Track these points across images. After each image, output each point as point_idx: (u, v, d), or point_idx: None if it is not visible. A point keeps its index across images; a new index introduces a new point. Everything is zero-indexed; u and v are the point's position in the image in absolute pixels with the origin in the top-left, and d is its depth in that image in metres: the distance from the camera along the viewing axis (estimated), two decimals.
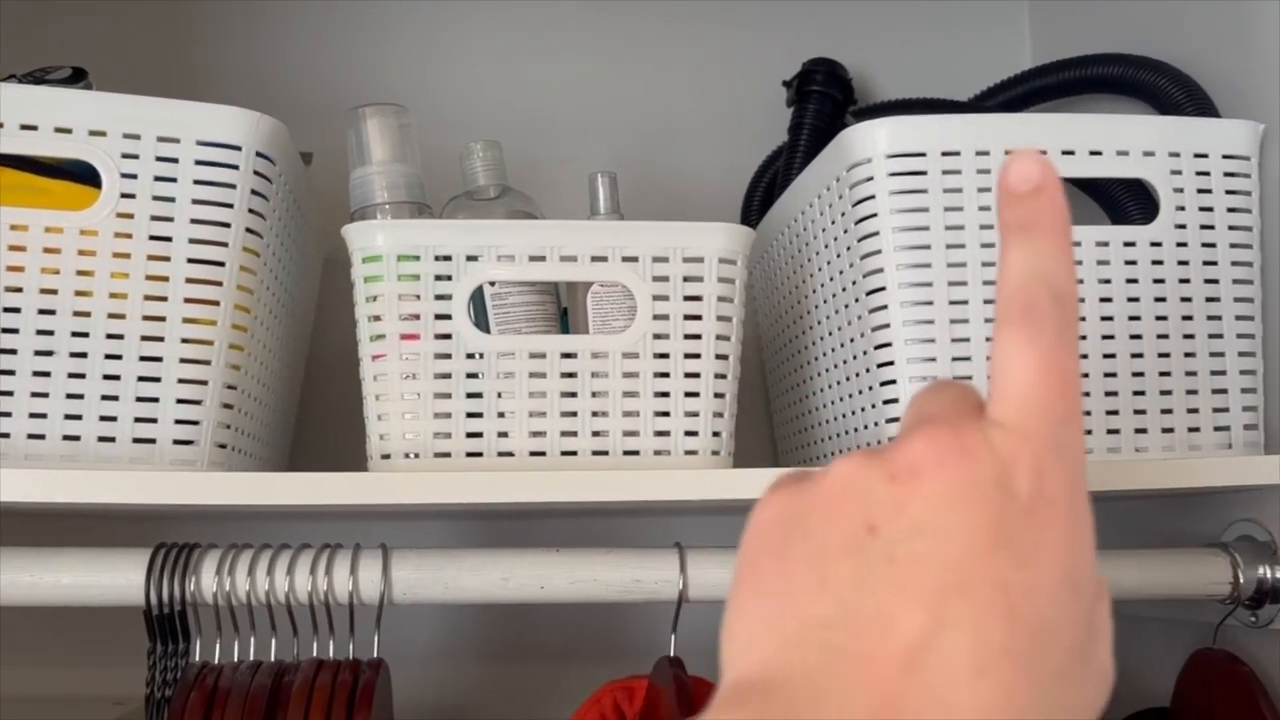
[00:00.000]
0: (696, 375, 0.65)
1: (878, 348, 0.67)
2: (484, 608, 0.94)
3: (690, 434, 0.64)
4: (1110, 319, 0.67)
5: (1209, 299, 0.68)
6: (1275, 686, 0.68)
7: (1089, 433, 0.65)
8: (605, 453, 0.63)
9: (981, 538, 0.26)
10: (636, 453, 0.63)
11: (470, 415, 0.63)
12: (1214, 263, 0.68)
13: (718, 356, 0.66)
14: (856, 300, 0.70)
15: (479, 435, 0.63)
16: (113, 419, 0.60)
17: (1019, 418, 0.28)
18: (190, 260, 0.62)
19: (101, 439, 0.60)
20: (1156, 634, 0.83)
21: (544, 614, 0.95)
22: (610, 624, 0.94)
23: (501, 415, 0.63)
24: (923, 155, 0.66)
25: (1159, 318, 0.67)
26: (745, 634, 0.28)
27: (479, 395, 0.63)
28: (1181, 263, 0.68)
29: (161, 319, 0.62)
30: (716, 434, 0.64)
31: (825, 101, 0.92)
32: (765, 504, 0.30)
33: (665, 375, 0.65)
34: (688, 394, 0.65)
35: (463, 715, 0.93)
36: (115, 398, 0.61)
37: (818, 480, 0.29)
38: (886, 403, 0.67)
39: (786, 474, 0.31)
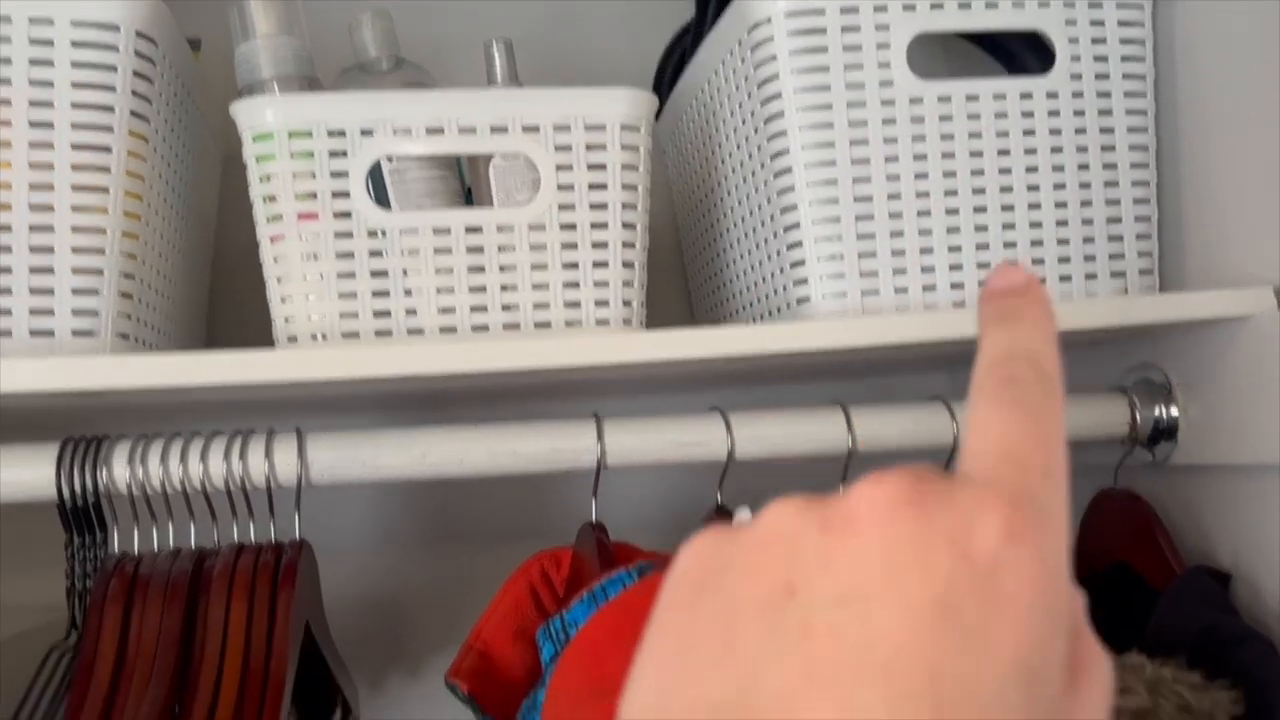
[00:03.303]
0: (604, 245, 0.65)
1: (784, 211, 0.68)
2: (409, 493, 0.94)
3: (600, 303, 0.63)
4: (1008, 171, 0.68)
5: (1104, 147, 0.69)
6: (1171, 519, 0.72)
7: (985, 265, 0.66)
8: (516, 326, 0.63)
9: (918, 609, 0.21)
10: (548, 325, 0.63)
11: (376, 294, 0.62)
12: (1109, 111, 0.69)
13: (625, 225, 0.66)
14: (762, 165, 0.70)
15: (386, 314, 0.62)
16: (7, 312, 0.59)
17: (993, 469, 0.24)
18: (74, 146, 0.60)
19: None
20: None
21: (473, 497, 0.95)
22: (538, 501, 0.96)
23: (408, 293, 0.63)
24: (821, 13, 0.66)
25: (1056, 168, 0.68)
26: (637, 708, 0.23)
27: (384, 274, 0.63)
28: (1078, 113, 0.69)
29: (50, 208, 0.60)
30: (627, 302, 0.65)
31: None
32: (687, 549, 0.25)
33: (573, 246, 0.65)
34: (596, 264, 0.65)
35: (396, 604, 0.94)
36: (9, 290, 0.59)
37: (750, 525, 0.24)
38: (794, 266, 0.68)
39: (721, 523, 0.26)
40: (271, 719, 0.55)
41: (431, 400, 0.75)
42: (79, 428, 0.64)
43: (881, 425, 0.70)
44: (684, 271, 0.97)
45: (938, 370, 0.94)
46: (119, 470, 0.61)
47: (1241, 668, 0.59)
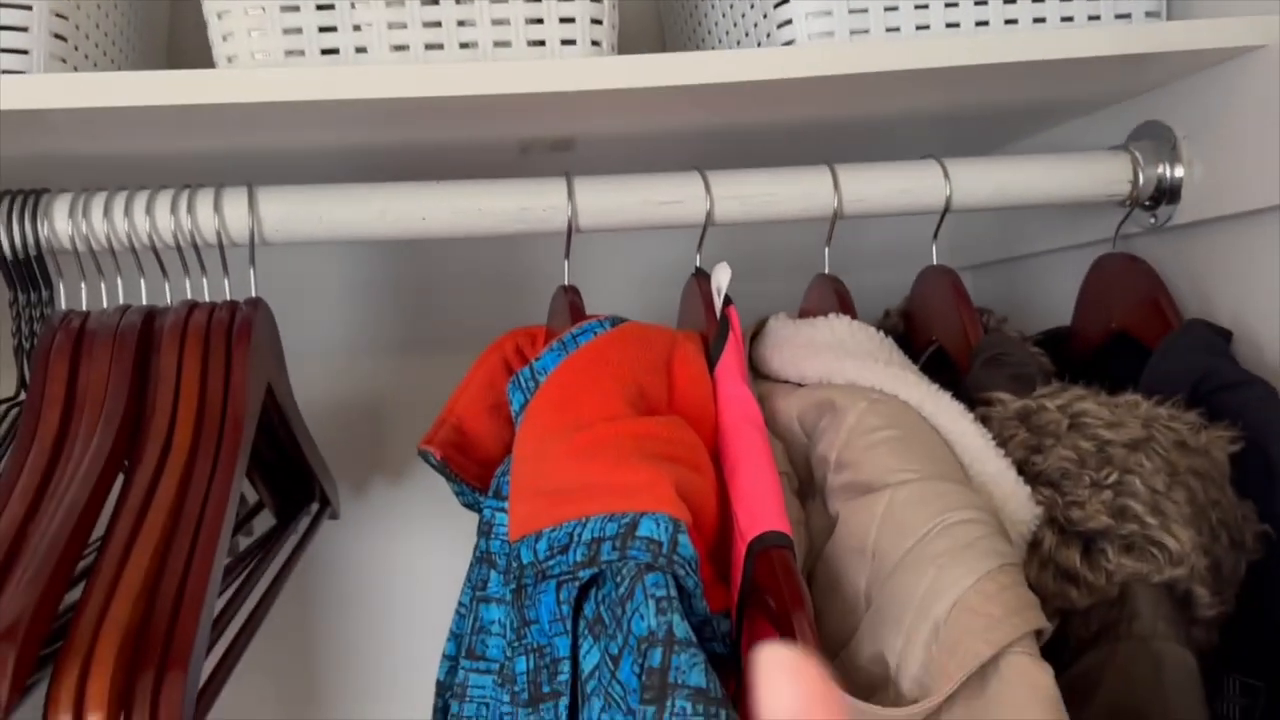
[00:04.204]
0: None
1: None
2: (389, 294, 0.91)
3: (566, 21, 0.58)
4: None
5: None
6: (1172, 285, 0.69)
7: (984, 3, 0.61)
8: (474, 45, 0.57)
9: None
10: (508, 44, 0.58)
11: (321, 8, 0.56)
12: None
13: None
14: None
15: (333, 30, 0.56)
16: None
17: None
18: None
19: None
20: (1057, 267, 0.83)
21: (453, 297, 0.92)
22: (520, 306, 0.93)
23: (354, 6, 0.56)
24: None
25: None
26: None
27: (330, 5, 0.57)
28: None
29: None
30: (596, 21, 0.58)
31: None
32: None
33: None
34: None
35: (376, 410, 0.92)
36: None
37: None
38: (778, 5, 0.63)
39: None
40: (229, 462, 0.52)
41: (395, 175, 0.71)
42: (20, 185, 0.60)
43: (870, 185, 0.66)
44: (660, 19, 0.91)
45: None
46: (60, 224, 0.58)
47: (1241, 408, 0.56)
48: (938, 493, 0.50)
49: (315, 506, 0.78)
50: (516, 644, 0.53)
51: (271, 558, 0.66)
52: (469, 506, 0.69)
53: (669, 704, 0.43)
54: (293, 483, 0.76)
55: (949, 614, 0.46)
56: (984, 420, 0.56)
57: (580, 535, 0.49)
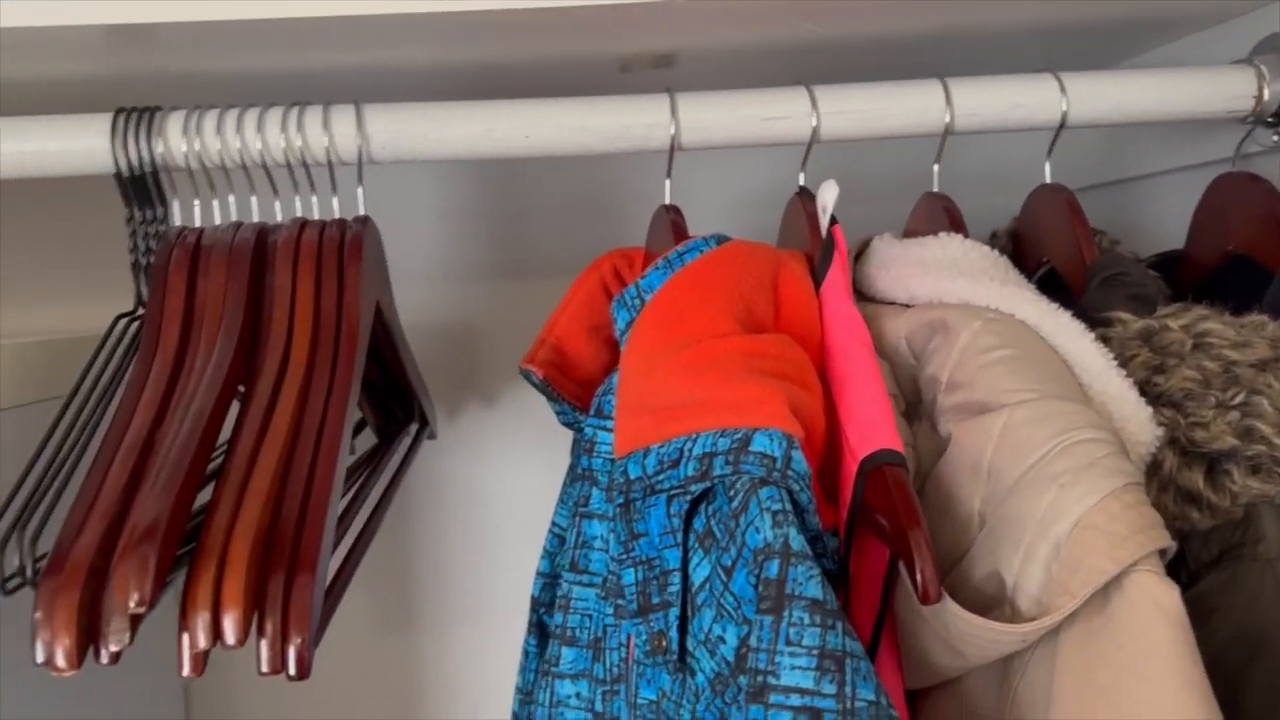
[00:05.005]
0: None
1: None
2: (483, 221, 0.92)
3: None
4: None
5: None
6: None
7: None
8: None
9: None
10: None
11: None
12: None
13: None
14: None
15: None
16: None
17: None
18: None
19: None
20: (1169, 189, 0.80)
21: (547, 224, 0.92)
22: (612, 235, 0.92)
23: None
24: None
25: None
26: None
27: None
28: None
29: None
30: None
31: None
32: None
33: None
34: None
35: (470, 333, 0.93)
36: None
37: None
38: None
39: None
40: (345, 376, 0.53)
41: (492, 96, 0.70)
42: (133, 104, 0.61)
43: (983, 99, 0.64)
44: None
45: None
46: (174, 141, 0.59)
47: None
48: (1058, 412, 0.49)
49: (415, 427, 0.79)
50: (624, 557, 0.54)
51: (377, 475, 0.68)
52: (569, 425, 0.69)
53: (786, 614, 0.43)
54: (394, 402, 0.77)
55: (1071, 533, 0.45)
56: (1103, 340, 0.54)
57: (691, 450, 0.49)
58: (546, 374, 0.66)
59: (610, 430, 0.59)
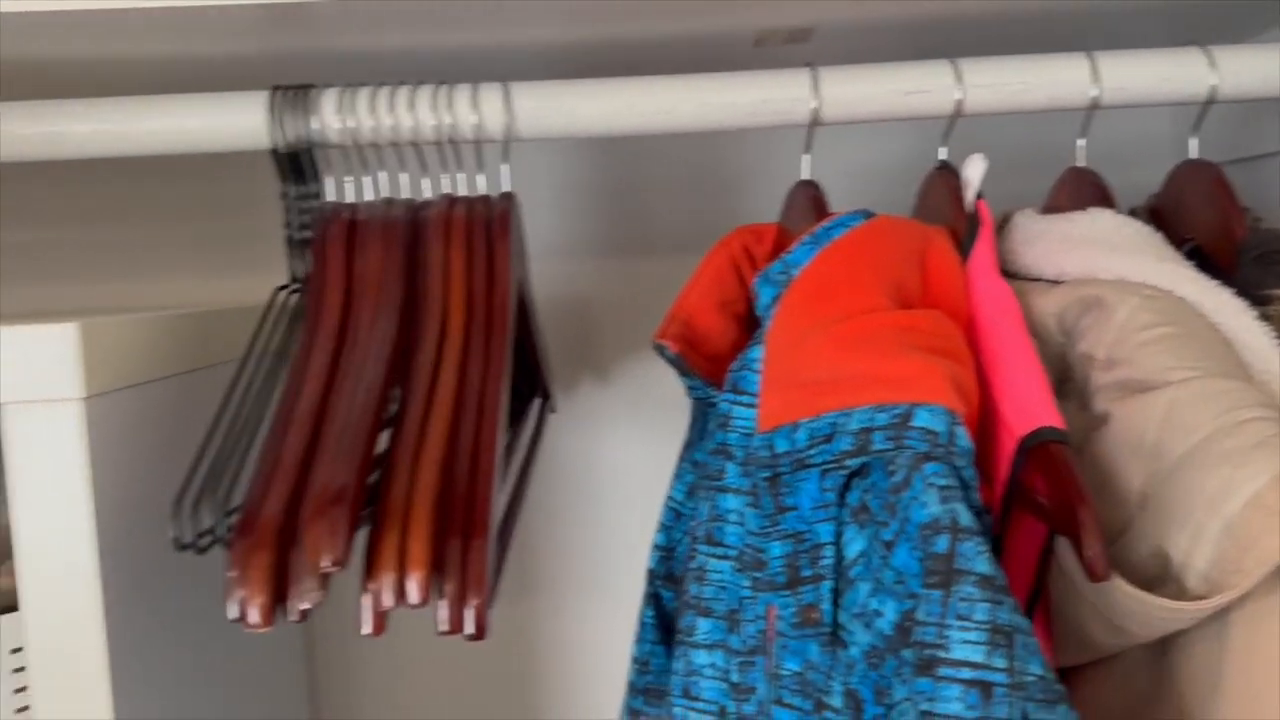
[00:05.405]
0: None
1: None
2: (602, 195, 0.92)
3: None
4: None
5: None
6: None
7: None
8: None
9: None
10: None
11: None
12: None
13: None
14: None
15: None
16: None
17: None
18: None
19: None
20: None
21: (665, 201, 0.93)
22: (730, 209, 0.93)
23: None
24: None
25: None
26: None
27: None
28: None
29: None
30: None
31: None
32: None
33: None
34: None
35: (586, 309, 0.94)
36: None
37: None
38: None
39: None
40: (499, 347, 0.55)
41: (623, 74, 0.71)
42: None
43: (1130, 72, 0.63)
44: None
45: None
46: (329, 118, 0.61)
47: None
48: (1222, 390, 0.48)
49: (539, 401, 0.81)
50: (771, 529, 0.54)
51: (516, 444, 0.69)
52: (699, 400, 0.70)
53: (955, 589, 0.43)
54: (520, 376, 0.79)
55: (1242, 511, 0.45)
56: (1263, 319, 0.53)
57: (845, 425, 0.50)
58: (680, 349, 0.66)
59: (746, 405, 0.60)
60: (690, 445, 0.73)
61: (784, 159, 0.86)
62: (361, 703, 0.96)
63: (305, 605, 0.42)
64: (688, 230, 0.93)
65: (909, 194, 0.68)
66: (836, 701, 0.50)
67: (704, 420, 0.71)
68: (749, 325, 0.70)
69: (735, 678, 0.60)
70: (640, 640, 0.74)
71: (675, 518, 0.72)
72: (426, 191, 0.63)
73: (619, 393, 0.94)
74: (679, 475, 0.73)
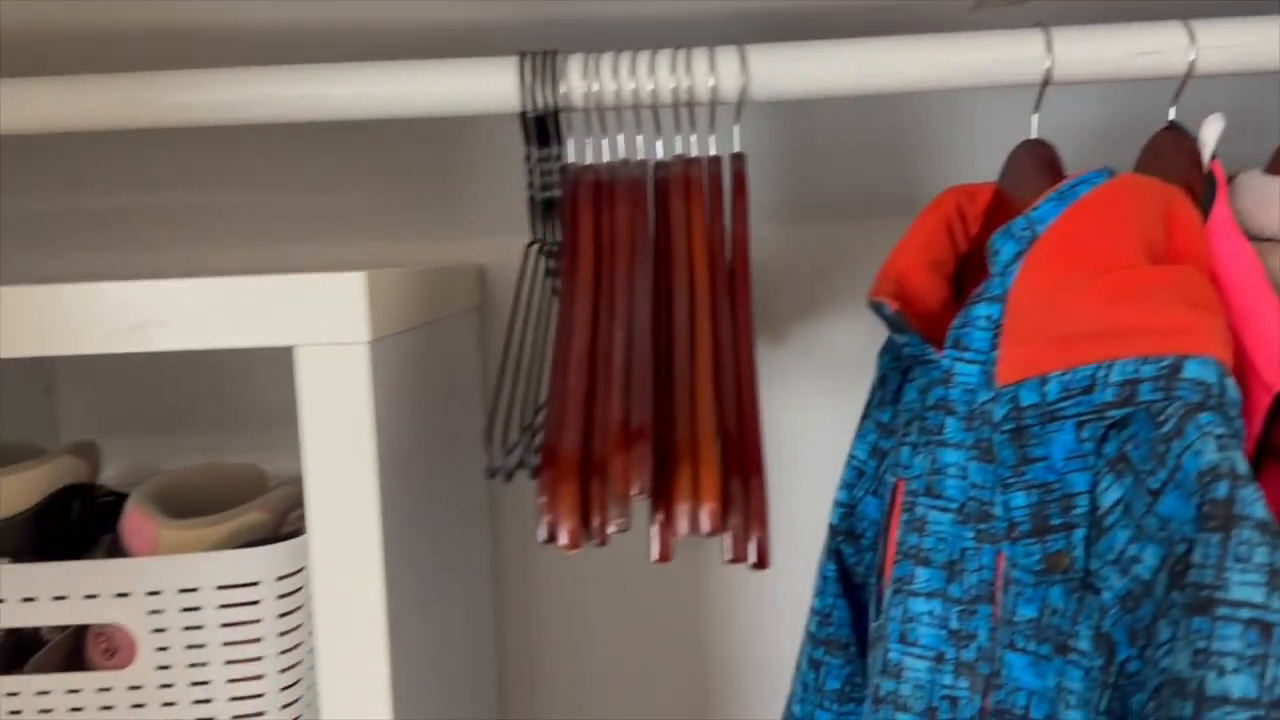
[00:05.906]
0: None
1: None
2: (780, 160, 0.94)
3: None
4: None
5: None
6: None
7: None
8: None
9: None
10: None
11: None
12: None
13: None
14: None
15: None
16: None
17: None
18: None
19: None
20: None
21: (847, 163, 0.94)
22: (914, 173, 0.93)
23: None
24: None
25: None
26: None
27: None
28: None
29: None
30: None
31: None
32: None
33: None
34: None
35: (758, 273, 0.96)
36: None
37: None
38: None
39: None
40: (744, 298, 0.57)
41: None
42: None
43: None
44: None
45: None
46: (575, 83, 0.63)
47: None
48: None
49: None
50: (1012, 480, 0.56)
51: None
52: (913, 357, 0.72)
53: (1234, 533, 0.44)
54: None
55: None
56: None
57: (1106, 377, 0.51)
58: (899, 307, 0.68)
59: (969, 362, 0.61)
60: (876, 405, 0.75)
61: (957, 124, 0.87)
62: (540, 635, 1.00)
63: (614, 529, 0.45)
64: (862, 196, 0.94)
65: (1097, 156, 0.69)
66: (1084, 645, 0.52)
67: (898, 380, 0.73)
68: (957, 285, 0.71)
69: (955, 624, 0.62)
70: (821, 594, 0.76)
71: (857, 475, 0.74)
72: (658, 153, 0.65)
73: (793, 355, 0.96)
74: (861, 434, 0.75)
